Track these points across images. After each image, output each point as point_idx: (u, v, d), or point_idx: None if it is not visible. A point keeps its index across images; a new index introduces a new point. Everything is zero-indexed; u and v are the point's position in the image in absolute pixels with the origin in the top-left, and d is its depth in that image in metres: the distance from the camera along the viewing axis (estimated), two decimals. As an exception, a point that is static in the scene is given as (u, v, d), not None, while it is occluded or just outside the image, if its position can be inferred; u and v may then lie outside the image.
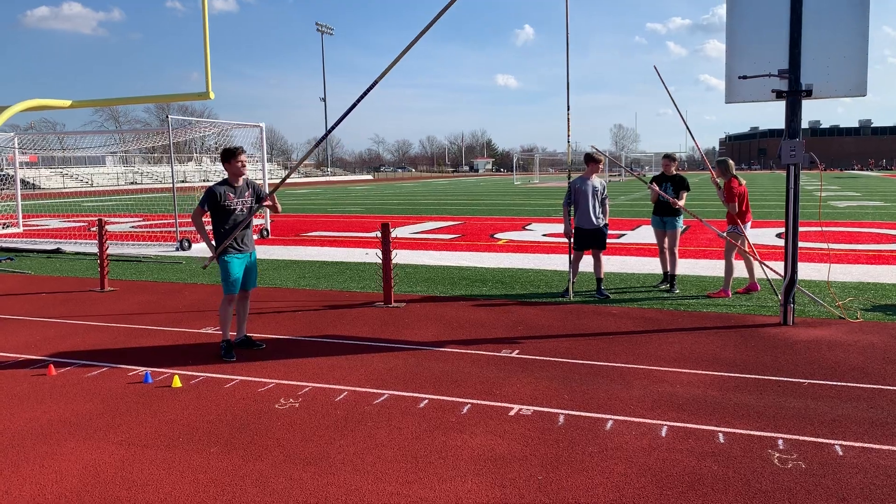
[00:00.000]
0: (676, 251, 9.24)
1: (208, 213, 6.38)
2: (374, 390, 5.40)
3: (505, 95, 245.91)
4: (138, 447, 4.40)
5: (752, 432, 4.48)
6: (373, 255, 12.00)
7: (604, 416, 4.81)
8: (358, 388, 5.45)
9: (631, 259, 12.10)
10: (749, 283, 8.98)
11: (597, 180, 8.95)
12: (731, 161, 9.15)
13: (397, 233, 16.74)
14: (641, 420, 4.72)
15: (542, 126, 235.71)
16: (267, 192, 6.73)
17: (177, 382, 5.61)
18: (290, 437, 4.52)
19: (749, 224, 8.84)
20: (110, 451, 4.35)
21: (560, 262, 11.52)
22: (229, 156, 6.40)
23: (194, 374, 5.91)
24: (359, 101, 7.08)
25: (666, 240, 9.31)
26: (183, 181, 54.91)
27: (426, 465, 4.09)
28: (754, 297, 8.61)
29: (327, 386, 5.52)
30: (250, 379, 5.73)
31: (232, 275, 6.38)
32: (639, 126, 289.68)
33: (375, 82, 6.93)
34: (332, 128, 7.62)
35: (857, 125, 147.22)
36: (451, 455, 4.21)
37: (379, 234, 8.81)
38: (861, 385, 5.35)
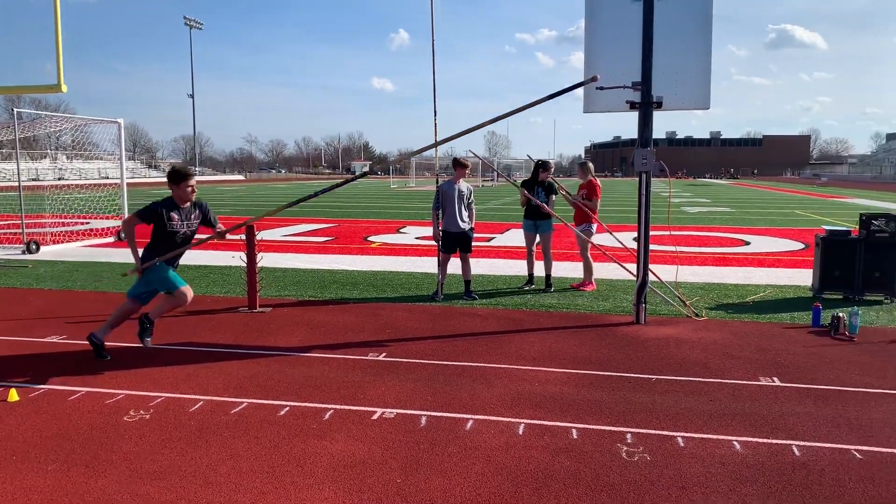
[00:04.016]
0: (550, 253, 9.68)
1: (144, 224, 6.09)
2: (233, 399, 5.21)
3: (381, 99, 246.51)
4: (-37, 469, 4.02)
5: (602, 427, 4.69)
6: (238, 259, 11.62)
7: (465, 416, 4.88)
8: (215, 398, 5.24)
9: (499, 261, 12.40)
10: (584, 280, 9.80)
11: (464, 185, 9.09)
12: (590, 164, 10.31)
13: (264, 235, 16.34)
14: (500, 419, 4.83)
15: (418, 130, 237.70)
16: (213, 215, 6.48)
17: (14, 396, 5.18)
18: (139, 451, 4.28)
19: (595, 225, 9.77)
20: (-71, 474, 3.95)
21: (432, 265, 11.62)
22: (178, 178, 6.05)
23: (35, 386, 5.48)
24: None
25: (540, 243, 9.72)
26: (35, 179, 51.02)
27: (283, 474, 3.99)
28: (611, 298, 9.04)
29: (182, 396, 5.28)
30: (97, 390, 5.38)
31: (155, 283, 6.16)
32: (511, 133, 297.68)
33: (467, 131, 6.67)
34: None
35: (708, 136, 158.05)
36: (309, 463, 4.13)
37: (244, 237, 8.53)
38: (703, 379, 5.74)
